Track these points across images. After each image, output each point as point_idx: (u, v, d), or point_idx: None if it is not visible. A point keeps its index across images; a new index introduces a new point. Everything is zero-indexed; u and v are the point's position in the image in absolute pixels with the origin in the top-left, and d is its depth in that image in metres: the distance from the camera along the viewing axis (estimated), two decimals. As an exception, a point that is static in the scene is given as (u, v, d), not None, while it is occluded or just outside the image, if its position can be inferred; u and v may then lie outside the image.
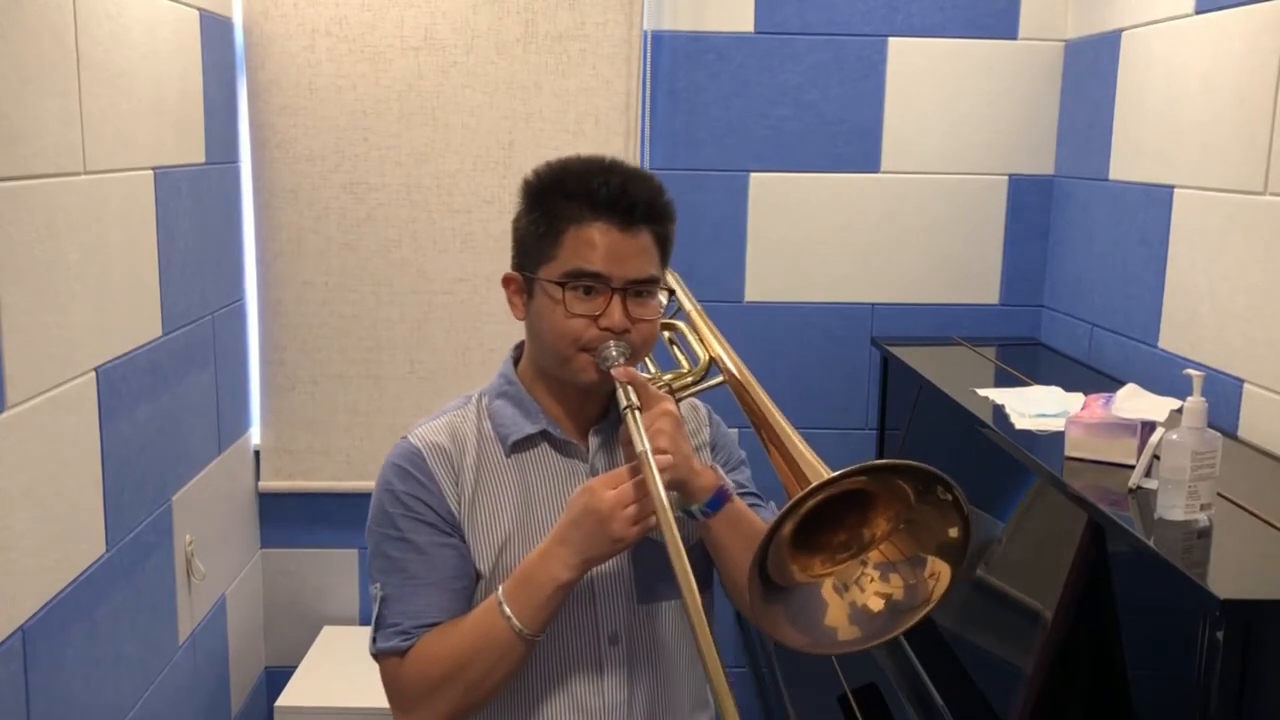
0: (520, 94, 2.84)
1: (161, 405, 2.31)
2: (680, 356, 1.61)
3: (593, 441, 1.47)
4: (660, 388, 1.46)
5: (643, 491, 1.27)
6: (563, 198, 1.38)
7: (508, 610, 1.32)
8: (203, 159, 2.54)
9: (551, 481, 1.45)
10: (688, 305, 1.67)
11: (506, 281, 1.46)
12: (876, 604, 1.23)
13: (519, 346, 1.52)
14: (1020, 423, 2.08)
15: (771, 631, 1.21)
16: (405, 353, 2.93)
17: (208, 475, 2.61)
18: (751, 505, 1.50)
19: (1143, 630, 1.64)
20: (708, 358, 1.55)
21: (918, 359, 2.65)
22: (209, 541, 2.61)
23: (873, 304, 3.03)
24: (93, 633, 1.99)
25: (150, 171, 2.23)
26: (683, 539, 1.24)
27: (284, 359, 2.92)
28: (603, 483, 1.30)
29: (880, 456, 2.93)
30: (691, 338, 1.61)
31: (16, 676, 1.72)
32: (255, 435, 2.98)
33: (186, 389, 2.47)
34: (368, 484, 2.90)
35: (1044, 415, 2.09)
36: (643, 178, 1.41)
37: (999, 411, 2.16)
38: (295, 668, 2.86)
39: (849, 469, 1.16)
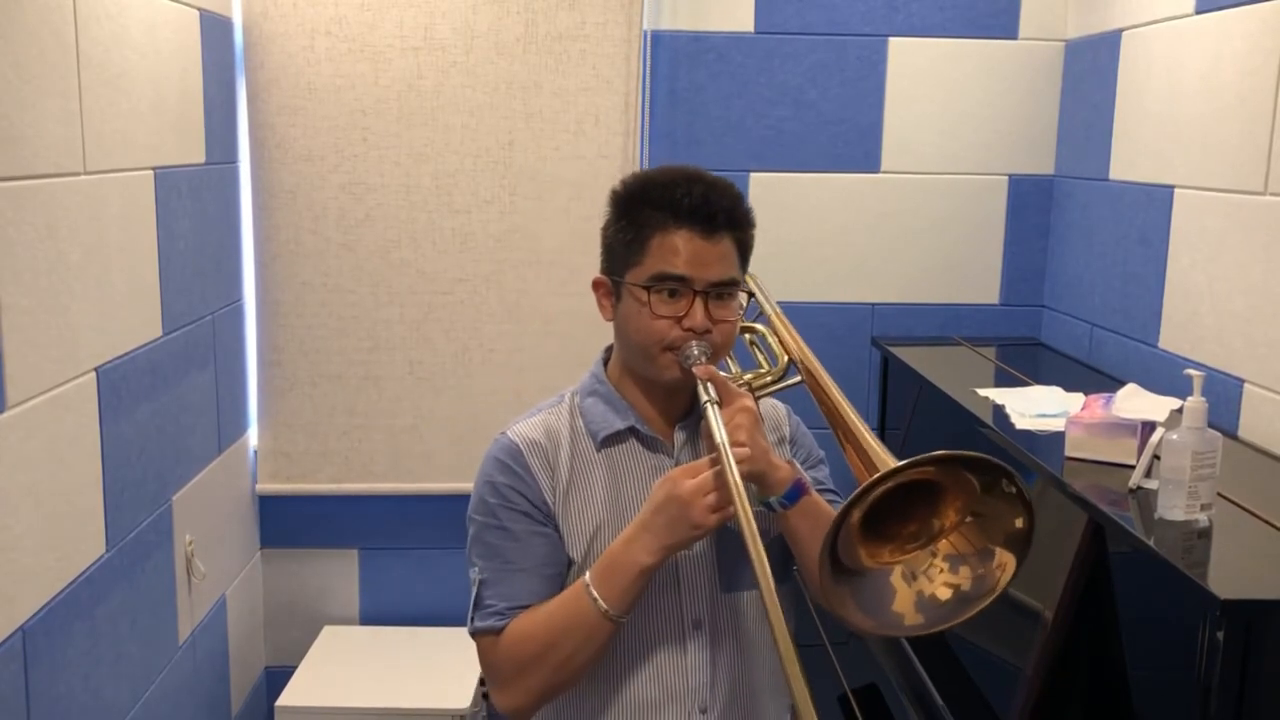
0: (520, 94, 2.84)
1: (162, 405, 2.31)
2: (760, 358, 1.69)
3: (678, 437, 1.53)
4: (740, 386, 1.52)
5: (721, 481, 1.33)
6: (648, 207, 1.46)
7: (595, 593, 1.39)
8: (202, 159, 2.54)
9: (639, 474, 1.52)
10: (768, 308, 1.75)
11: (596, 285, 1.54)
12: (945, 594, 1.27)
13: (609, 349, 1.60)
14: (1020, 423, 2.08)
15: (840, 612, 1.25)
16: (404, 353, 2.93)
17: (208, 475, 2.61)
18: (830, 501, 1.54)
19: (1143, 630, 1.64)
20: (786, 358, 1.64)
21: (918, 359, 2.65)
22: (209, 541, 2.61)
23: (873, 304, 3.03)
24: (93, 633, 1.99)
25: (150, 172, 2.23)
26: (762, 532, 1.30)
27: (282, 360, 2.92)
28: (683, 472, 1.36)
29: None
30: (771, 340, 1.69)
31: (16, 676, 1.72)
32: (254, 437, 2.97)
33: (187, 389, 2.47)
34: (367, 486, 2.97)
35: (1044, 415, 2.09)
36: (724, 187, 1.48)
37: (999, 411, 2.16)
38: (295, 668, 2.86)
39: (917, 458, 1.21)
